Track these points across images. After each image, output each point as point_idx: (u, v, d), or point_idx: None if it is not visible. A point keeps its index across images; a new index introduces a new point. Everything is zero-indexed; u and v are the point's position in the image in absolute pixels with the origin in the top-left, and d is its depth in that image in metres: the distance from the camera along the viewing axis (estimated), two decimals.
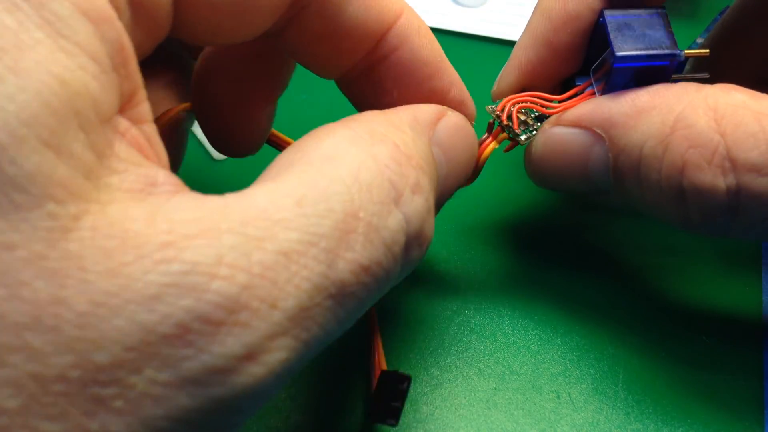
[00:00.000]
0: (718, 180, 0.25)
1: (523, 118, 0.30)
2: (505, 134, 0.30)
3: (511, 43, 0.48)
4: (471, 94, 0.43)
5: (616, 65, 0.27)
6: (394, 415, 0.26)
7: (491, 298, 0.33)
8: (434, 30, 0.49)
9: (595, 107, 0.28)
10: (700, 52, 0.30)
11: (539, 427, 0.29)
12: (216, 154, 0.40)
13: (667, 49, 0.28)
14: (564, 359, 0.31)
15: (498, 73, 0.33)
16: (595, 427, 0.28)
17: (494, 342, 0.31)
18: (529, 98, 0.30)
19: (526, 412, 0.29)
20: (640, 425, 0.29)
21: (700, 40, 0.36)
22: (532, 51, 0.30)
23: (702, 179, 0.25)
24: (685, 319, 0.32)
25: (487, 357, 0.31)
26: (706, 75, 0.29)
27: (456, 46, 0.48)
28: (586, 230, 0.36)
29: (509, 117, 0.30)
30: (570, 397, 0.29)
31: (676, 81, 0.28)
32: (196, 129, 0.41)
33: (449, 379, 0.30)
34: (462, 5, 0.51)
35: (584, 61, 0.31)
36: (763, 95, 0.25)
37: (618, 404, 0.29)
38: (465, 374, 0.30)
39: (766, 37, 0.33)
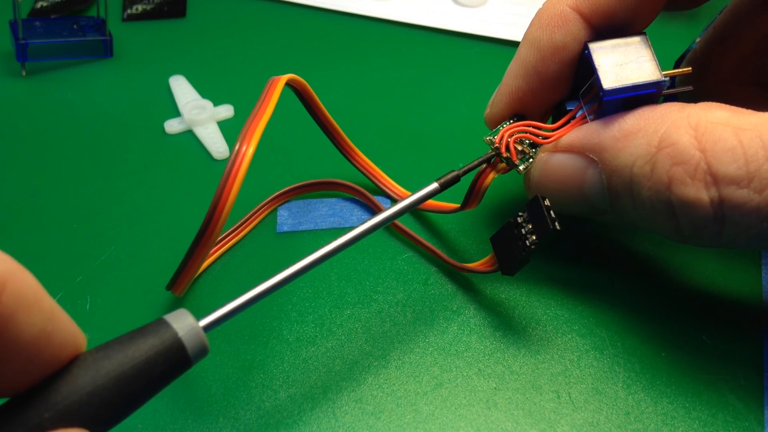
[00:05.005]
0: (701, 193, 0.26)
1: (520, 148, 0.31)
2: (504, 164, 0.31)
3: (511, 43, 0.48)
4: (472, 94, 0.44)
5: (606, 98, 0.29)
6: (553, 222, 0.28)
7: (491, 299, 0.33)
8: (434, 30, 0.49)
9: (586, 133, 0.30)
10: (683, 71, 0.31)
11: (539, 427, 0.29)
12: (216, 154, 0.40)
13: (652, 76, 0.29)
14: (564, 359, 0.31)
15: (498, 74, 0.33)
16: (595, 427, 0.28)
17: (494, 342, 0.31)
18: (525, 128, 0.31)
19: (526, 412, 0.29)
20: (640, 425, 0.29)
21: (699, 40, 0.36)
22: (522, 79, 0.32)
23: (687, 193, 0.26)
24: (685, 319, 0.32)
25: (487, 357, 0.31)
26: (689, 88, 0.31)
27: (456, 46, 0.48)
28: (584, 232, 0.36)
29: (507, 148, 0.31)
30: (570, 397, 0.29)
31: (664, 97, 0.30)
32: (197, 129, 0.41)
33: (449, 379, 0.30)
34: (462, 5, 0.51)
35: (573, 85, 0.32)
36: (744, 110, 0.27)
37: (618, 404, 0.29)
38: (465, 374, 0.30)
39: (754, 40, 0.33)
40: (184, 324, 0.23)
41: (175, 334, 0.22)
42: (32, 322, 0.19)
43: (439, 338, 0.31)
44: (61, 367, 0.21)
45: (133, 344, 0.22)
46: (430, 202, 0.34)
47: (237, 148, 0.28)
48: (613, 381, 0.30)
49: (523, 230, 0.29)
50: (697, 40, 0.36)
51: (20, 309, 0.19)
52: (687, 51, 0.37)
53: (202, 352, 0.23)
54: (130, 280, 0.34)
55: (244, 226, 0.36)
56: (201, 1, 0.52)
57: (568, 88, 0.32)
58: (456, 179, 0.30)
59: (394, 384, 0.30)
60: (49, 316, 0.20)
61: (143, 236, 0.36)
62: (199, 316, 0.24)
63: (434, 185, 0.30)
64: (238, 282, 0.34)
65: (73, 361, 0.21)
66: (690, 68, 0.31)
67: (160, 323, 0.22)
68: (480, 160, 0.31)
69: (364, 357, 0.31)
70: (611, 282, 0.33)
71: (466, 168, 0.31)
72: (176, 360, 0.22)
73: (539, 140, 0.31)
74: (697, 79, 0.32)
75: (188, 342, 0.22)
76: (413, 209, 0.34)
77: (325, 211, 0.37)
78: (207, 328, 0.24)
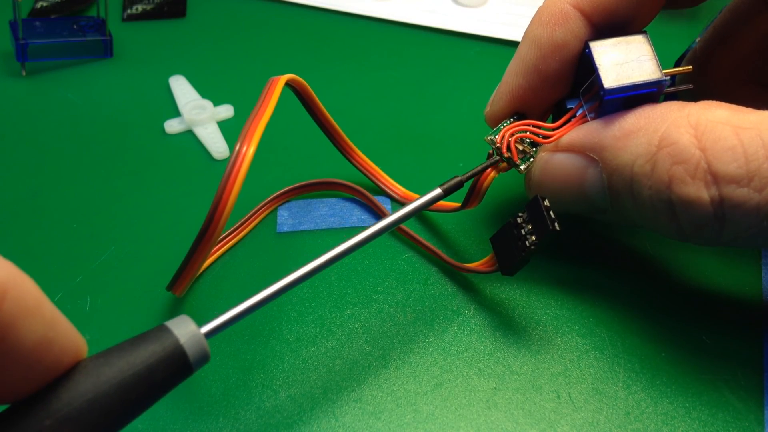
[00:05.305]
0: (701, 192, 0.26)
1: (521, 147, 0.31)
2: (504, 163, 0.31)
3: (511, 43, 0.48)
4: (472, 94, 0.44)
5: (607, 98, 0.29)
6: (552, 222, 0.28)
7: (491, 299, 0.33)
8: (434, 30, 0.49)
9: (586, 132, 0.30)
10: (684, 70, 0.31)
11: (539, 427, 0.29)
12: (216, 154, 0.40)
13: (653, 75, 0.29)
14: (564, 359, 0.31)
15: (498, 74, 0.33)
16: (595, 427, 0.28)
17: (494, 342, 0.31)
18: (525, 127, 0.31)
19: (526, 412, 0.29)
20: (640, 425, 0.29)
21: (699, 39, 0.36)
22: (522, 77, 0.32)
23: (687, 192, 0.26)
24: (685, 319, 0.32)
25: (487, 357, 0.31)
26: (690, 87, 0.31)
27: (456, 46, 0.48)
28: (584, 232, 0.36)
29: (509, 148, 0.31)
30: (570, 397, 0.29)
31: (664, 95, 0.30)
32: (197, 129, 0.41)
33: (449, 379, 0.30)
34: (462, 5, 0.51)
35: (573, 83, 0.32)
36: (744, 109, 0.27)
37: (618, 404, 0.29)
38: (465, 374, 0.30)
39: (754, 39, 0.33)
40: (185, 331, 0.22)
41: (177, 340, 0.22)
42: (33, 329, 0.19)
43: (439, 338, 0.31)
44: (62, 374, 0.21)
45: (134, 351, 0.22)
46: None
47: (237, 148, 0.28)
48: (613, 381, 0.30)
49: (522, 230, 0.29)
50: (698, 39, 0.36)
51: (21, 316, 0.19)
52: (687, 50, 0.37)
53: (204, 359, 0.23)
54: (130, 280, 0.34)
55: (244, 226, 0.36)
56: (201, 1, 0.52)
57: (568, 86, 0.32)
58: (459, 185, 0.30)
59: (394, 384, 0.30)
60: (51, 323, 0.20)
61: (143, 236, 0.36)
62: (197, 316, 0.24)
63: (438, 191, 0.30)
64: (238, 282, 0.34)
65: (74, 368, 0.21)
66: (690, 67, 0.31)
67: (162, 329, 0.22)
68: (484, 165, 0.31)
69: (364, 357, 0.31)
70: (611, 282, 0.33)
71: (469, 174, 0.31)
72: (177, 367, 0.22)
73: (540, 140, 0.31)
74: (698, 79, 0.32)
75: (189, 349, 0.22)
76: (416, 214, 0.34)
77: (325, 211, 0.37)
78: (208, 334, 0.24)
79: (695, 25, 0.49)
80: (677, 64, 0.38)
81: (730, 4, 0.34)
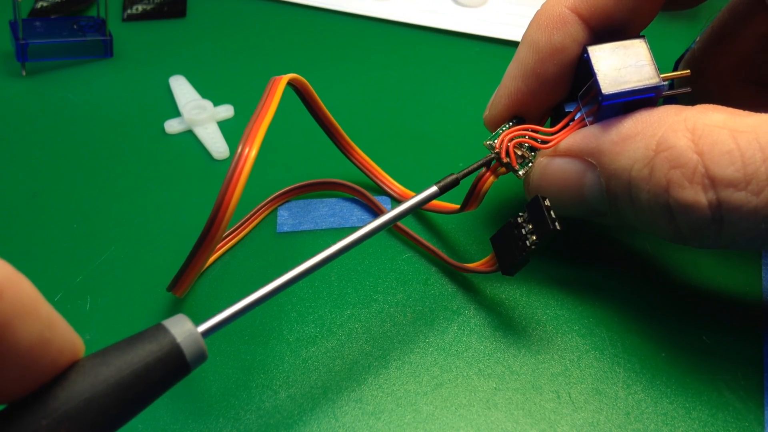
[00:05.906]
0: (699, 196, 0.26)
1: (519, 152, 0.31)
2: (503, 168, 0.31)
3: (511, 43, 0.48)
4: (471, 94, 0.44)
5: (605, 103, 0.29)
6: (553, 222, 0.28)
7: (491, 299, 0.33)
8: (434, 30, 0.49)
9: (584, 137, 0.30)
10: (682, 74, 0.31)
11: (539, 427, 0.29)
12: (216, 154, 0.40)
13: (651, 80, 0.29)
14: (564, 359, 0.31)
15: (498, 74, 0.33)
16: (595, 427, 0.29)
17: (494, 342, 0.31)
18: (524, 132, 0.31)
19: (526, 412, 0.29)
20: (640, 425, 0.29)
21: (698, 40, 0.36)
22: (521, 81, 0.32)
23: (685, 196, 0.26)
24: (685, 319, 0.32)
25: (487, 357, 0.31)
26: (688, 90, 0.31)
27: (456, 46, 0.48)
28: (584, 232, 0.36)
29: (507, 153, 0.31)
30: (570, 397, 0.29)
31: (663, 98, 0.30)
32: (197, 129, 0.41)
33: (449, 379, 0.30)
34: (462, 5, 0.51)
35: (572, 87, 0.32)
36: (741, 112, 0.27)
37: (618, 404, 0.29)
38: (465, 374, 0.30)
39: (752, 39, 0.34)
40: (182, 329, 0.22)
41: (174, 339, 0.22)
42: (30, 329, 0.19)
43: (439, 338, 0.31)
44: (59, 374, 0.21)
45: (131, 350, 0.22)
46: (431, 201, 0.34)
47: (240, 150, 0.28)
48: (613, 381, 0.30)
49: (523, 230, 0.29)
50: (696, 40, 0.36)
51: (18, 316, 0.19)
52: (686, 51, 0.37)
53: (201, 357, 0.23)
54: (130, 280, 0.34)
55: (244, 226, 0.36)
56: (201, 1, 0.52)
57: (566, 89, 0.32)
58: (455, 182, 0.31)
59: (394, 384, 0.30)
60: (47, 323, 0.20)
61: (143, 236, 0.36)
62: (197, 317, 0.24)
63: (434, 189, 0.30)
64: (238, 282, 0.34)
65: (71, 368, 0.21)
66: (688, 71, 0.31)
67: (159, 329, 0.22)
68: (479, 163, 0.31)
69: (364, 357, 0.31)
70: (611, 282, 0.33)
71: (465, 171, 0.31)
72: (175, 366, 0.22)
73: (538, 144, 0.31)
74: (696, 80, 0.32)
75: (187, 348, 0.22)
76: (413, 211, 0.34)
77: (325, 211, 0.37)
78: (206, 333, 0.24)
79: (695, 26, 0.49)
80: (676, 65, 0.38)
81: (728, 5, 0.34)
